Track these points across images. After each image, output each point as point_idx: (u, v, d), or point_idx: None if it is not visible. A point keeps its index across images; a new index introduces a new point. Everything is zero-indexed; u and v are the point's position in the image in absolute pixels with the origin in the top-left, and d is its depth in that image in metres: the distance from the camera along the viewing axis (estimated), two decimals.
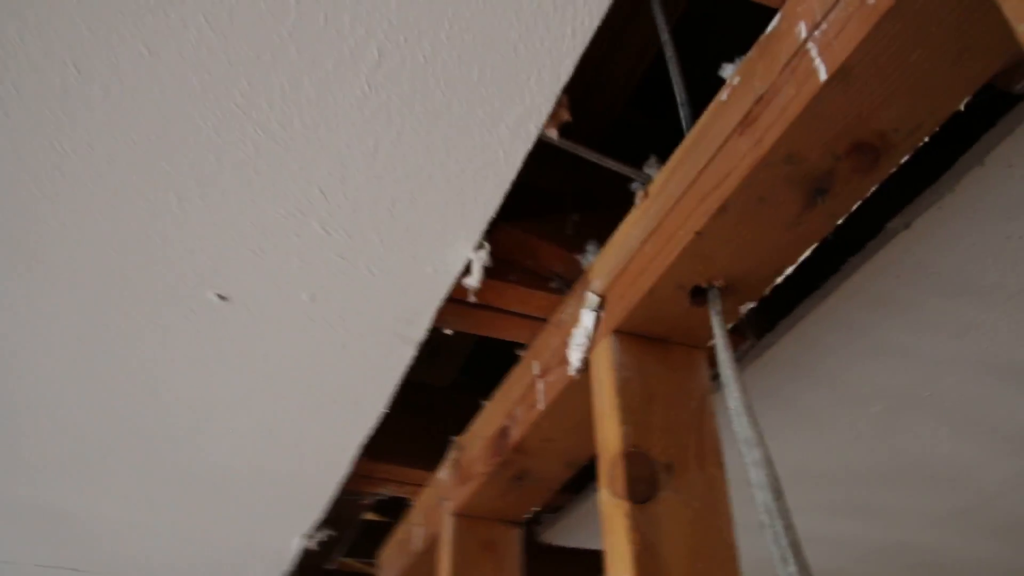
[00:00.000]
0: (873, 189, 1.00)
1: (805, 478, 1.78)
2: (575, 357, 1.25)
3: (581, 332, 1.25)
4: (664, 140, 1.17)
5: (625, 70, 1.28)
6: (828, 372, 1.48)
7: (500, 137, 1.06)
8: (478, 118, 1.04)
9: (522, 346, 1.51)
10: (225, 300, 1.29)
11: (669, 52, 1.10)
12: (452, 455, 1.71)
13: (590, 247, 1.32)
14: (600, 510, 1.10)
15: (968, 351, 1.38)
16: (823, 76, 0.86)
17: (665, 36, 1.09)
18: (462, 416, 1.87)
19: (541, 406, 1.37)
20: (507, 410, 1.50)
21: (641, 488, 1.06)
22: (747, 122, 0.97)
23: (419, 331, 1.38)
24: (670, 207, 1.09)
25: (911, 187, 1.17)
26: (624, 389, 1.14)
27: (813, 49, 0.88)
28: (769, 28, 0.96)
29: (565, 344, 1.33)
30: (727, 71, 1.03)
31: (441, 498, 1.74)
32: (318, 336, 1.39)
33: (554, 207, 1.37)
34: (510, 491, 1.60)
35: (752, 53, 0.98)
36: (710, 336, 1.20)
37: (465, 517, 1.69)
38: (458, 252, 1.23)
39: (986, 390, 1.48)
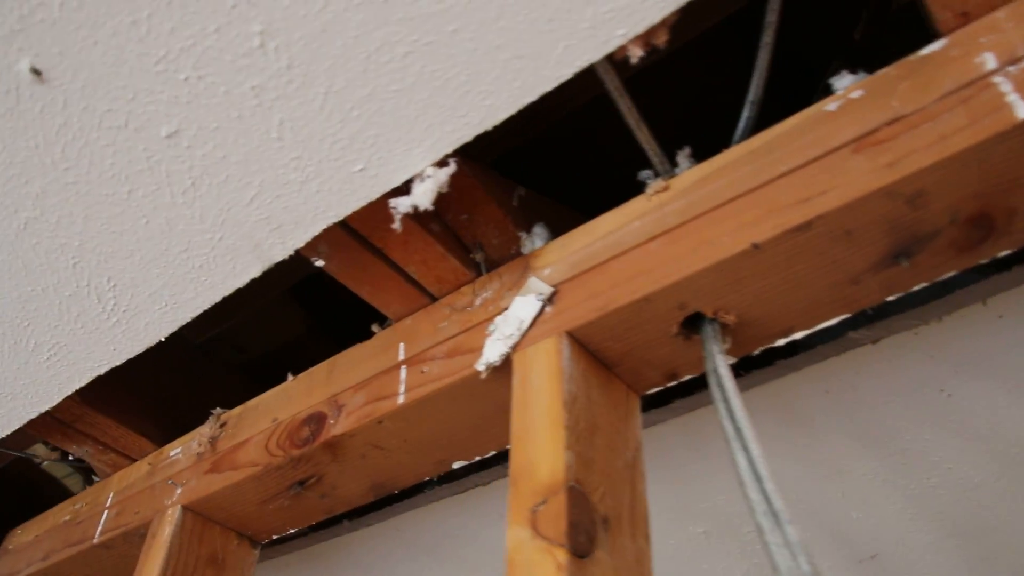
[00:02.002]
0: (938, 279, 0.87)
1: None
2: (494, 350, 0.96)
3: (510, 322, 0.97)
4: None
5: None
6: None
7: (571, 27, 0.78)
8: None
9: (378, 318, 1.18)
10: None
11: (767, 39, 0.91)
12: (207, 431, 1.28)
13: (537, 229, 1.06)
14: (510, 558, 0.80)
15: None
16: (1021, 114, 0.71)
17: (772, 17, 0.90)
18: (230, 386, 1.45)
19: (401, 399, 1.04)
20: (331, 394, 1.15)
21: (581, 539, 0.79)
22: (870, 141, 0.80)
23: (285, 247, 1.00)
24: (707, 209, 0.88)
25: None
26: (572, 406, 0.87)
27: (1005, 84, 0.74)
28: (926, 51, 0.81)
29: (466, 331, 1.04)
30: (843, 81, 0.86)
31: (169, 480, 1.29)
32: (145, 197, 0.95)
33: (505, 169, 1.10)
34: (280, 498, 1.22)
35: (890, 71, 0.83)
36: (653, 382, 1.00)
37: (198, 515, 1.25)
38: (410, 160, 0.91)
39: None
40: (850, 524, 1.42)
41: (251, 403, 1.28)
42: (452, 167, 0.91)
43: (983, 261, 0.84)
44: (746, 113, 0.93)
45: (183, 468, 1.29)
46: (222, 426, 1.29)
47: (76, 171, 0.93)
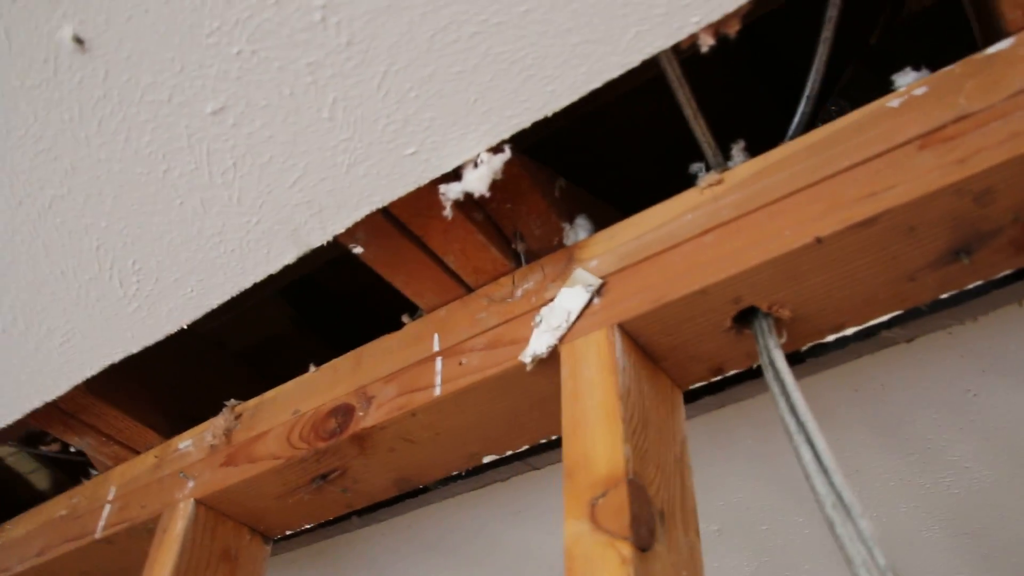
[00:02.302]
0: (993, 277, 0.87)
1: None
2: (541, 342, 0.94)
3: (557, 314, 0.95)
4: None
5: None
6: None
7: (645, 12, 0.77)
8: None
9: (409, 308, 1.15)
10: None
11: (827, 33, 0.91)
12: (222, 423, 1.24)
13: (580, 220, 1.04)
14: (569, 551, 0.78)
15: None
16: None
17: (832, 12, 0.90)
18: (238, 379, 1.41)
19: (437, 391, 1.02)
20: (359, 385, 1.12)
21: (643, 532, 0.77)
22: (937, 138, 0.80)
23: (325, 232, 0.97)
24: (766, 203, 0.87)
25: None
26: (626, 399, 0.86)
27: None
28: (992, 49, 0.81)
29: (506, 323, 1.02)
30: (906, 78, 0.86)
31: (181, 473, 1.24)
32: (182, 177, 0.91)
33: (545, 160, 1.08)
34: (300, 492, 1.18)
35: (955, 68, 0.83)
36: (697, 377, 0.99)
37: (211, 509, 1.21)
38: (464, 145, 0.88)
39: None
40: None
41: (268, 395, 1.24)
42: (507, 154, 0.89)
43: None
44: (802, 108, 0.93)
45: (195, 461, 1.25)
46: (237, 418, 1.25)
47: (110, 147, 0.90)
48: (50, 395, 1.20)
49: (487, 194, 0.89)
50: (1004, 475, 1.31)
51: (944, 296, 0.90)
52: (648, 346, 0.94)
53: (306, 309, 1.80)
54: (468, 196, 0.91)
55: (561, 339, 0.94)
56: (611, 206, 1.18)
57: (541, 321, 0.96)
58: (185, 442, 1.31)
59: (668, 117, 1.20)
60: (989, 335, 1.08)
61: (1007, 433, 1.24)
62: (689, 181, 0.96)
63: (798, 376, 1.12)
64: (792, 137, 0.93)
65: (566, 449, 0.86)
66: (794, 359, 1.15)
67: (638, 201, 1.08)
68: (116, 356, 1.15)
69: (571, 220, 1.04)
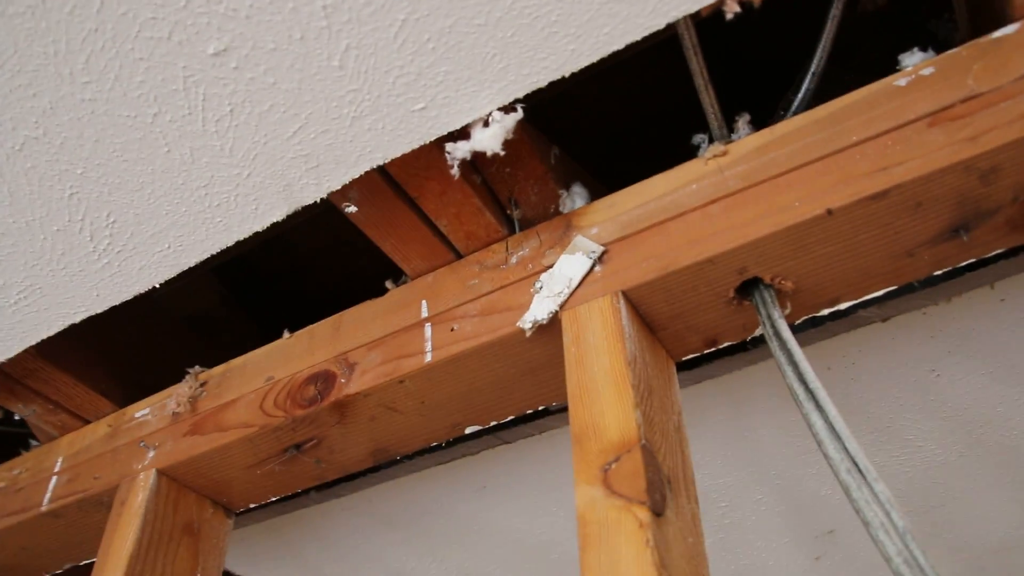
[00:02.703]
0: (993, 253, 0.90)
1: None
2: (542, 308, 0.93)
3: (558, 280, 0.94)
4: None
5: None
6: None
7: None
8: None
9: (392, 273, 1.12)
10: None
11: (835, 11, 0.92)
12: (186, 391, 1.19)
13: (576, 188, 1.03)
14: (583, 517, 0.77)
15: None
16: None
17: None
18: (194, 347, 1.36)
19: (428, 358, 0.99)
20: (340, 352, 1.08)
21: (657, 497, 0.77)
22: (946, 116, 0.82)
23: (320, 188, 0.93)
24: (774, 175, 0.88)
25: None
26: (634, 365, 0.86)
27: None
28: (998, 34, 0.84)
29: (501, 289, 1.00)
30: (912, 58, 0.88)
31: (141, 443, 1.18)
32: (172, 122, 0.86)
33: (543, 127, 1.06)
34: (271, 463, 1.14)
35: (961, 51, 0.85)
36: (692, 348, 1.00)
37: (175, 481, 1.16)
38: (476, 103, 0.86)
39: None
40: (816, 500, 1.47)
41: (236, 361, 1.19)
42: (519, 113, 0.87)
43: None
44: (806, 84, 0.94)
45: (155, 430, 1.19)
46: (202, 385, 1.19)
47: (97, 86, 0.84)
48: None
49: (501, 153, 0.87)
50: (953, 454, 1.37)
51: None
52: (648, 315, 0.94)
53: (236, 288, 1.75)
54: (475, 156, 0.89)
55: (562, 305, 0.93)
56: (594, 177, 1.17)
57: (542, 287, 0.95)
58: (142, 411, 1.24)
59: (646, 90, 1.21)
60: (959, 316, 1.13)
61: (962, 413, 1.29)
62: (674, 153, 0.97)
63: (769, 355, 1.14)
64: (796, 112, 0.94)
65: (573, 415, 0.85)
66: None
67: (616, 171, 1.08)
68: (78, 316, 1.08)
69: (567, 187, 1.03)
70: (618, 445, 0.80)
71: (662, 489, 0.79)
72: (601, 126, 1.50)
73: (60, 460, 1.28)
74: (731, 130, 0.95)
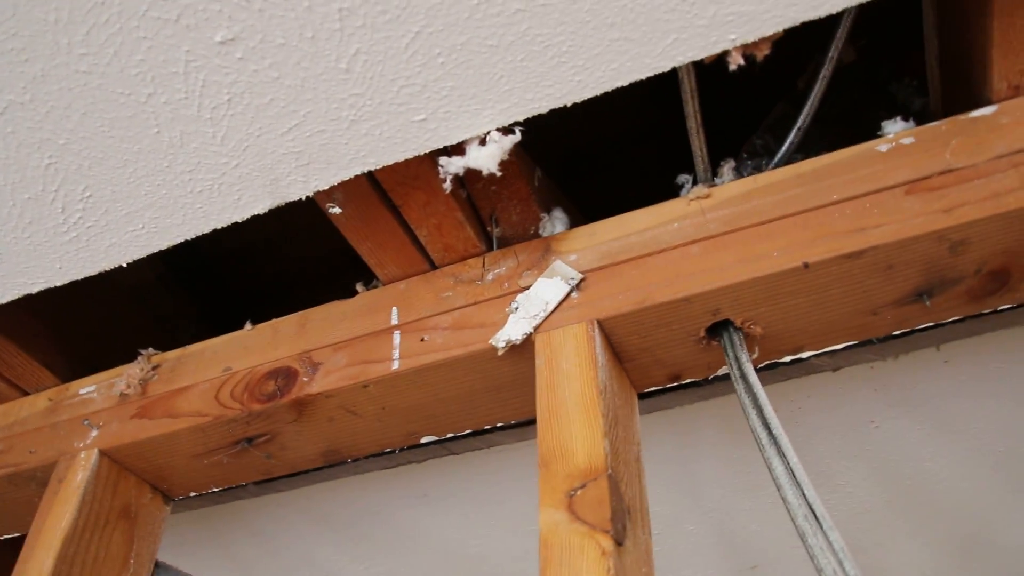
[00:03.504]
0: (942, 322, 0.95)
1: None
2: (517, 329, 0.94)
3: (534, 303, 0.96)
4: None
5: None
6: None
7: (688, 21, 0.78)
8: None
9: (365, 276, 1.12)
10: None
11: (826, 72, 0.96)
12: (137, 372, 1.16)
13: (557, 213, 1.05)
14: (545, 539, 0.78)
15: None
16: None
17: (833, 52, 0.95)
18: (148, 331, 1.33)
19: (396, 365, 1.00)
20: (303, 350, 1.07)
21: (619, 527, 0.79)
22: (924, 186, 0.86)
23: (307, 186, 0.92)
24: (756, 223, 0.91)
25: None
26: (604, 394, 0.88)
27: None
28: (976, 113, 0.89)
29: (474, 304, 1.01)
30: (893, 126, 0.92)
31: (84, 421, 1.15)
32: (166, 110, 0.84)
33: (529, 150, 1.07)
34: (219, 454, 1.12)
35: (940, 125, 0.90)
36: (654, 381, 1.02)
37: (116, 463, 1.13)
38: (477, 121, 0.86)
39: None
40: (746, 535, 1.52)
41: (193, 348, 1.17)
42: (517, 136, 0.88)
43: (985, 311, 0.93)
44: (791, 138, 0.98)
45: (100, 409, 1.16)
46: (155, 368, 1.17)
47: (94, 59, 0.82)
48: None
49: (497, 173, 0.88)
50: (881, 502, 1.43)
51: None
52: (619, 345, 0.96)
53: (175, 267, 1.72)
54: (484, 172, 0.89)
55: (537, 328, 0.94)
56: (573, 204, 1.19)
57: (518, 308, 0.96)
58: (87, 388, 1.20)
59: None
60: (904, 373, 1.18)
61: (894, 465, 1.35)
62: (653, 191, 1.00)
63: (724, 392, 1.18)
64: (778, 164, 0.98)
65: (541, 438, 0.86)
66: (722, 376, 1.20)
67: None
68: (35, 287, 1.04)
69: (548, 211, 1.05)
70: (585, 472, 0.82)
71: (624, 519, 0.81)
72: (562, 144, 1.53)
73: None
74: (715, 174, 0.98)
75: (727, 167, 0.97)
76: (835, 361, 1.16)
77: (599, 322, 0.93)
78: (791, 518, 0.78)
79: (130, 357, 1.22)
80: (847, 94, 1.45)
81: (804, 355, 0.98)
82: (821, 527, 0.76)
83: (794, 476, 0.80)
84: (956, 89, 0.98)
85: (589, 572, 0.75)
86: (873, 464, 1.35)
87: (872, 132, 0.94)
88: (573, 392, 0.87)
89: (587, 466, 0.82)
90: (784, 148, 0.98)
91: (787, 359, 0.99)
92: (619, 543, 0.78)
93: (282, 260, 1.75)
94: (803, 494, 0.79)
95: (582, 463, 0.82)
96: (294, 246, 1.72)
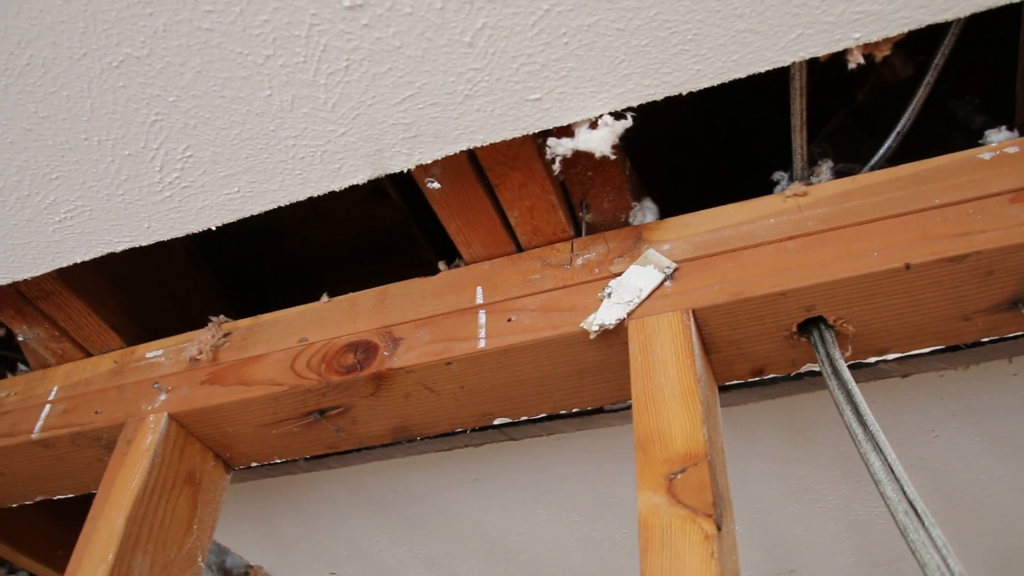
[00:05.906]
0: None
1: None
2: (610, 314, 0.94)
3: (628, 289, 0.96)
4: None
5: None
6: None
7: (815, 17, 0.78)
8: None
9: (449, 254, 1.12)
10: None
11: (929, 78, 0.97)
12: (208, 338, 1.16)
13: (647, 203, 1.05)
14: (645, 521, 0.79)
15: None
16: None
17: (939, 60, 0.96)
18: (212, 302, 1.33)
19: (482, 344, 1.00)
20: (383, 324, 1.07)
21: (719, 512, 0.79)
22: None
23: (410, 159, 0.92)
24: (854, 223, 0.92)
25: None
26: (701, 381, 0.88)
27: None
28: None
29: (563, 288, 1.01)
30: (997, 135, 0.93)
31: (155, 384, 1.15)
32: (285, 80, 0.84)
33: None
34: (289, 424, 1.12)
35: None
36: (737, 375, 1.03)
37: (184, 428, 1.13)
38: (591, 104, 0.87)
39: None
40: (790, 539, 1.52)
41: (266, 317, 1.17)
42: (628, 121, 0.89)
43: None
44: (890, 142, 0.98)
45: (170, 373, 1.16)
46: (225, 335, 1.17)
47: (219, 17, 0.82)
48: (22, 274, 1.08)
49: (611, 156, 0.88)
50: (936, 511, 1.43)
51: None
52: (708, 337, 0.96)
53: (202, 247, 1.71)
54: (596, 155, 0.90)
55: (630, 314, 0.95)
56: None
57: (611, 293, 0.96)
58: (154, 352, 1.20)
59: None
60: (972, 383, 1.19)
61: (946, 473, 1.35)
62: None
63: (790, 391, 1.18)
64: (875, 167, 0.98)
65: (638, 421, 0.87)
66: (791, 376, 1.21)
67: None
68: (121, 246, 1.04)
69: (639, 200, 1.05)
70: (684, 456, 0.82)
71: (722, 505, 0.82)
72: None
73: (55, 389, 1.23)
74: (812, 172, 0.98)
75: (825, 167, 0.98)
76: (904, 367, 1.16)
77: (694, 311, 0.93)
78: (891, 513, 0.79)
79: (189, 324, 1.22)
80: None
81: (890, 356, 0.98)
82: (923, 523, 0.77)
83: (893, 472, 0.81)
84: None
85: (692, 555, 0.75)
86: (925, 473, 1.36)
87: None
88: (670, 379, 0.88)
89: (686, 451, 0.82)
90: (882, 151, 0.98)
91: (872, 360, 1.00)
92: (719, 528, 0.78)
93: (303, 243, 1.73)
94: (903, 490, 0.79)
95: (681, 448, 0.83)
96: (317, 229, 1.71)
